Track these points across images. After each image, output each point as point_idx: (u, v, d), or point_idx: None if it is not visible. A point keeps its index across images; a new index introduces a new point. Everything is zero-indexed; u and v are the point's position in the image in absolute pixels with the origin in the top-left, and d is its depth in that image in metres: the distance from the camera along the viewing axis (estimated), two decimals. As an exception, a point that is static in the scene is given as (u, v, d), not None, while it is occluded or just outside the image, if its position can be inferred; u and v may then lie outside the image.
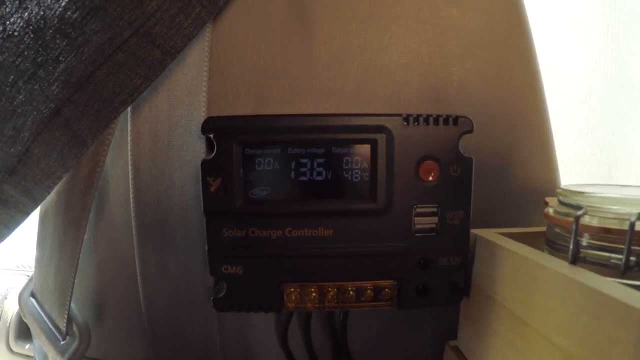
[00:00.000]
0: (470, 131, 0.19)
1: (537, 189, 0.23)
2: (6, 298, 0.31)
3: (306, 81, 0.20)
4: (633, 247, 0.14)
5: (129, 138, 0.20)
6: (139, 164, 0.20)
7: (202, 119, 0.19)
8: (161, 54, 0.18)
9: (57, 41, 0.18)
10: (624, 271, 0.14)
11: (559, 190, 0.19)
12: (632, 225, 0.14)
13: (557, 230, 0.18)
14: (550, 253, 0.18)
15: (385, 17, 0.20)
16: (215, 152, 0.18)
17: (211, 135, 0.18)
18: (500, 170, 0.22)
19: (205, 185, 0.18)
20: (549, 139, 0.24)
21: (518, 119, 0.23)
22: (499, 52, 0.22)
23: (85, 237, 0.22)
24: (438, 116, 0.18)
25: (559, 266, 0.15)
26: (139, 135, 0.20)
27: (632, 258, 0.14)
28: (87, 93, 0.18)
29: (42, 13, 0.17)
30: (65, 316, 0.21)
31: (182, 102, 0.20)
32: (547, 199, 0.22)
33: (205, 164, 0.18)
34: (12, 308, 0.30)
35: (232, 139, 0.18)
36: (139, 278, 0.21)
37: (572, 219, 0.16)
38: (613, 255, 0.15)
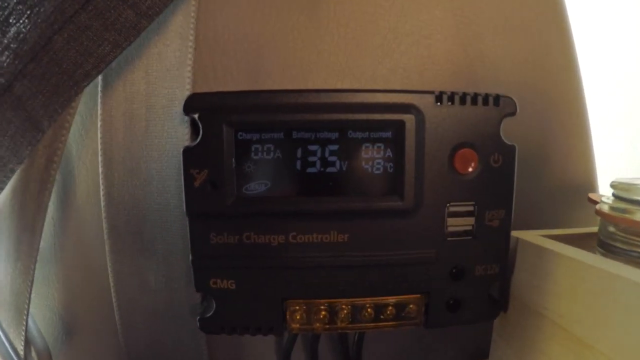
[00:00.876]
0: (513, 113, 0.15)
1: (574, 183, 0.19)
2: None
3: (311, 54, 0.16)
4: None
5: (98, 123, 0.16)
6: (111, 154, 0.16)
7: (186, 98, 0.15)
8: (135, 15, 0.14)
9: (7, 1, 0.13)
10: None
11: (614, 184, 0.15)
12: None
13: (612, 229, 0.14)
14: (605, 256, 0.14)
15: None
16: (200, 137, 0.14)
17: (196, 116, 0.14)
18: (533, 162, 0.19)
19: (189, 180, 0.14)
20: (585, 127, 0.20)
21: (553, 103, 0.19)
22: (533, 26, 0.18)
23: (50, 243, 0.18)
24: (477, 94, 0.14)
25: (637, 275, 0.11)
26: (111, 120, 0.16)
27: None
28: (44, 64, 0.14)
29: None
30: (23, 337, 0.16)
31: (162, 78, 0.16)
32: (591, 196, 0.18)
33: (187, 153, 0.14)
34: None
35: (221, 120, 0.13)
36: (112, 291, 0.17)
37: (635, 218, 0.13)
38: None
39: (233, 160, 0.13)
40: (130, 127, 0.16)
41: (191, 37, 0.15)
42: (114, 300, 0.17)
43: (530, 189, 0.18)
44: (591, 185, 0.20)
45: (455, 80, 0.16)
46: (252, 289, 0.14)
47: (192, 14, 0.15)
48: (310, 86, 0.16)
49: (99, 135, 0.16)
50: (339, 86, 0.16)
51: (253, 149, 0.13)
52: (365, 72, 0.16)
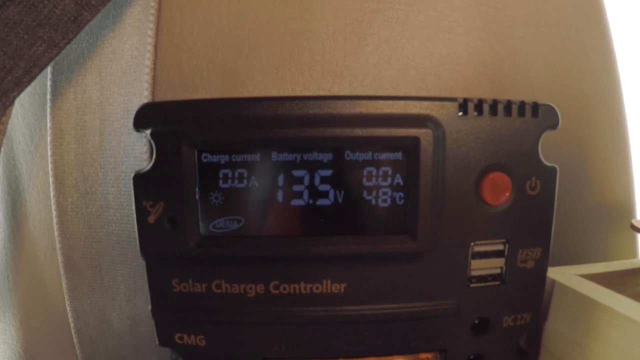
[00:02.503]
0: (555, 126, 0.11)
1: (614, 205, 0.15)
2: None
3: (301, 54, 0.12)
4: None
5: (48, 138, 0.12)
6: (63, 174, 0.12)
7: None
8: (74, 5, 0.10)
9: None
10: None
11: None
12: None
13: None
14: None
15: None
16: (154, 160, 0.10)
17: (148, 132, 0.10)
18: (569, 182, 0.14)
19: (141, 214, 0.10)
20: (625, 139, 0.16)
21: (591, 113, 0.15)
22: (569, 20, 0.14)
23: (3, 275, 0.14)
24: (510, 102, 0.10)
25: None
26: (62, 134, 0.12)
27: None
28: None
29: None
30: None
31: (117, 83, 0.12)
32: (635, 222, 0.14)
33: (139, 180, 0.10)
34: None
35: (180, 139, 0.09)
36: (72, 332, 0.13)
37: None
38: None
39: (196, 189, 0.10)
40: (82, 143, 0.12)
41: (150, 33, 0.11)
42: (75, 341, 0.13)
43: (565, 213, 0.14)
44: (631, 206, 0.16)
45: (480, 83, 0.12)
46: (226, 346, 0.10)
47: (152, 4, 0.11)
48: (300, 91, 0.12)
49: (49, 152, 0.12)
50: (334, 91, 0.12)
51: (221, 175, 0.10)
52: (368, 74, 0.12)
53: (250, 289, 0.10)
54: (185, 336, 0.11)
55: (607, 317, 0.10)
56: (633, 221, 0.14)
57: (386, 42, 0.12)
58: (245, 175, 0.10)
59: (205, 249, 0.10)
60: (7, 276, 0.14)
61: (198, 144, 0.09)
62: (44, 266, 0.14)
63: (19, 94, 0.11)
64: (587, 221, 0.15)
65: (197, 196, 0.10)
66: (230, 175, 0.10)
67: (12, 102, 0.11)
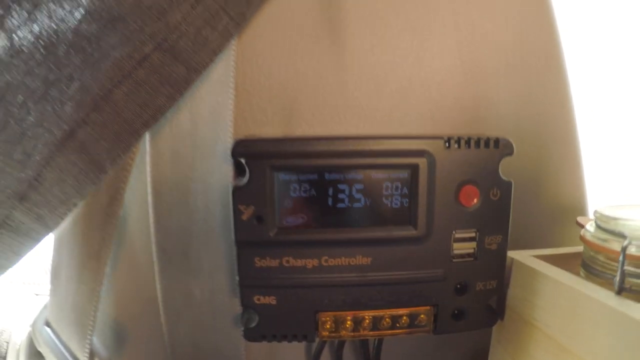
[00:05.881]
0: (511, 153, 0.19)
1: (567, 206, 0.24)
2: (14, 320, 0.30)
3: (338, 99, 0.20)
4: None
5: (147, 159, 0.20)
6: (160, 187, 0.20)
7: (227, 139, 0.18)
8: (186, 70, 0.17)
9: (71, 57, 0.17)
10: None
11: (597, 215, 0.19)
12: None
13: (593, 254, 0.19)
14: (586, 276, 0.19)
15: (420, 31, 0.20)
16: (247, 178, 0.17)
17: (243, 160, 0.17)
18: (531, 188, 0.23)
19: (237, 214, 0.17)
20: (578, 155, 0.24)
21: (549, 136, 0.23)
22: (532, 67, 0.22)
23: (108, 267, 0.22)
24: (479, 138, 0.18)
25: (605, 297, 0.15)
26: (159, 157, 0.19)
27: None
28: (105, 114, 0.17)
29: (54, 26, 0.16)
30: (87, 349, 0.20)
31: (206, 121, 0.19)
32: (579, 220, 0.22)
33: (236, 191, 0.17)
34: (20, 332, 0.29)
35: (265, 164, 0.17)
36: (160, 305, 0.21)
37: (613, 247, 0.17)
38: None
39: (275, 198, 0.17)
40: (177, 164, 0.19)
41: (231, 85, 0.19)
42: (161, 311, 0.21)
43: (527, 212, 0.23)
44: (582, 208, 0.24)
45: (462, 121, 0.20)
46: (290, 303, 0.18)
47: (232, 64, 0.19)
48: (335, 127, 0.19)
49: (148, 170, 0.20)
50: (360, 127, 0.20)
51: (292, 188, 0.17)
52: (384, 116, 0.20)
53: (309, 262, 0.18)
54: (261, 297, 0.18)
55: (543, 280, 0.18)
56: (578, 218, 0.22)
57: (397, 93, 0.20)
58: (307, 188, 0.17)
59: (280, 237, 0.17)
60: (108, 264, 0.22)
61: (278, 168, 0.17)
62: (139, 256, 0.21)
63: (146, 131, 0.18)
64: (544, 217, 0.23)
65: (276, 202, 0.17)
66: (297, 188, 0.17)
67: (141, 137, 0.18)
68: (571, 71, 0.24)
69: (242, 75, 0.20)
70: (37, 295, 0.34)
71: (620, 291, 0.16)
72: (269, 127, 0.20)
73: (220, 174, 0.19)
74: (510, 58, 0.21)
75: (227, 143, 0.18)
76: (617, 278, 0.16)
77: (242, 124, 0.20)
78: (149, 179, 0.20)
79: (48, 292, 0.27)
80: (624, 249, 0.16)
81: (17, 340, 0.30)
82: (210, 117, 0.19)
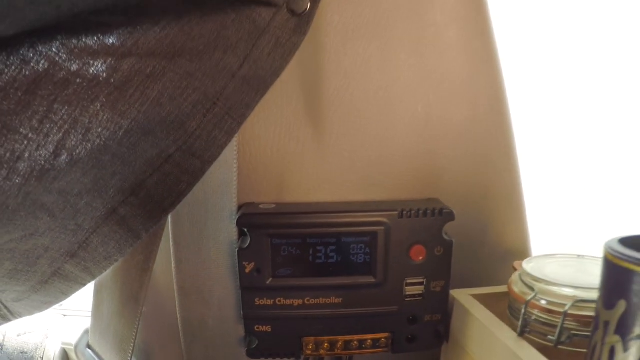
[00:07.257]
0: (452, 219, 0.26)
1: (511, 250, 0.31)
2: (47, 337, 0.39)
3: (319, 174, 0.27)
4: (566, 326, 0.22)
5: (169, 219, 0.27)
6: (180, 240, 0.27)
7: (233, 206, 0.26)
8: (201, 163, 0.24)
9: (115, 161, 0.22)
10: (556, 344, 0.22)
11: (522, 270, 0.26)
12: (565, 313, 0.21)
13: (512, 298, 0.26)
14: (510, 316, 0.26)
15: (387, 116, 0.26)
16: (249, 242, 0.25)
17: (245, 229, 0.25)
18: (478, 236, 0.30)
19: (242, 268, 0.25)
20: (521, 209, 0.31)
21: (495, 195, 0.30)
22: (480, 140, 0.29)
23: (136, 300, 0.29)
24: (426, 209, 0.25)
25: (508, 338, 0.23)
26: (179, 218, 0.27)
27: (564, 336, 0.22)
28: (140, 197, 0.23)
29: (102, 143, 0.22)
30: None
31: (215, 192, 0.26)
32: (516, 264, 0.29)
33: (241, 252, 0.25)
34: (52, 348, 0.37)
35: (263, 233, 0.24)
36: (180, 330, 0.29)
37: (526, 297, 0.24)
38: (552, 329, 0.22)
39: (270, 256, 0.25)
40: (193, 223, 0.27)
41: (235, 164, 0.26)
42: (181, 335, 0.29)
43: (475, 256, 0.30)
44: (524, 251, 0.32)
45: (420, 186, 0.27)
46: (281, 331, 0.25)
47: (235, 149, 0.26)
48: (317, 195, 0.26)
49: (170, 227, 0.27)
50: (336, 195, 0.27)
51: (282, 249, 0.25)
52: (356, 185, 0.27)
53: (295, 302, 0.25)
54: (260, 326, 0.26)
55: (471, 318, 0.26)
56: (514, 263, 0.30)
57: (367, 167, 0.27)
58: (294, 249, 0.25)
59: (274, 284, 0.25)
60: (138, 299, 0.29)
61: (272, 235, 0.24)
62: (163, 293, 0.29)
63: (173, 210, 0.25)
64: (489, 260, 0.31)
65: (270, 259, 0.25)
66: (287, 249, 0.25)
67: (169, 214, 0.25)
68: (518, 138, 0.30)
69: (243, 155, 0.27)
70: (64, 316, 0.42)
71: (523, 333, 0.23)
72: (264, 195, 0.27)
73: (227, 233, 0.26)
74: (462, 134, 0.28)
75: (233, 209, 0.26)
76: (520, 322, 0.23)
77: (244, 193, 0.27)
78: (170, 234, 0.27)
79: (75, 314, 0.35)
80: (527, 303, 0.23)
81: (51, 355, 0.38)
82: (219, 189, 0.26)
